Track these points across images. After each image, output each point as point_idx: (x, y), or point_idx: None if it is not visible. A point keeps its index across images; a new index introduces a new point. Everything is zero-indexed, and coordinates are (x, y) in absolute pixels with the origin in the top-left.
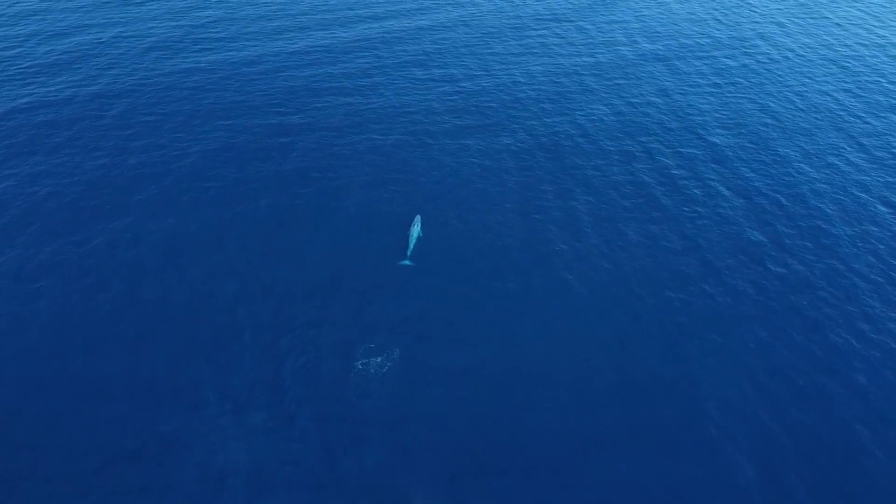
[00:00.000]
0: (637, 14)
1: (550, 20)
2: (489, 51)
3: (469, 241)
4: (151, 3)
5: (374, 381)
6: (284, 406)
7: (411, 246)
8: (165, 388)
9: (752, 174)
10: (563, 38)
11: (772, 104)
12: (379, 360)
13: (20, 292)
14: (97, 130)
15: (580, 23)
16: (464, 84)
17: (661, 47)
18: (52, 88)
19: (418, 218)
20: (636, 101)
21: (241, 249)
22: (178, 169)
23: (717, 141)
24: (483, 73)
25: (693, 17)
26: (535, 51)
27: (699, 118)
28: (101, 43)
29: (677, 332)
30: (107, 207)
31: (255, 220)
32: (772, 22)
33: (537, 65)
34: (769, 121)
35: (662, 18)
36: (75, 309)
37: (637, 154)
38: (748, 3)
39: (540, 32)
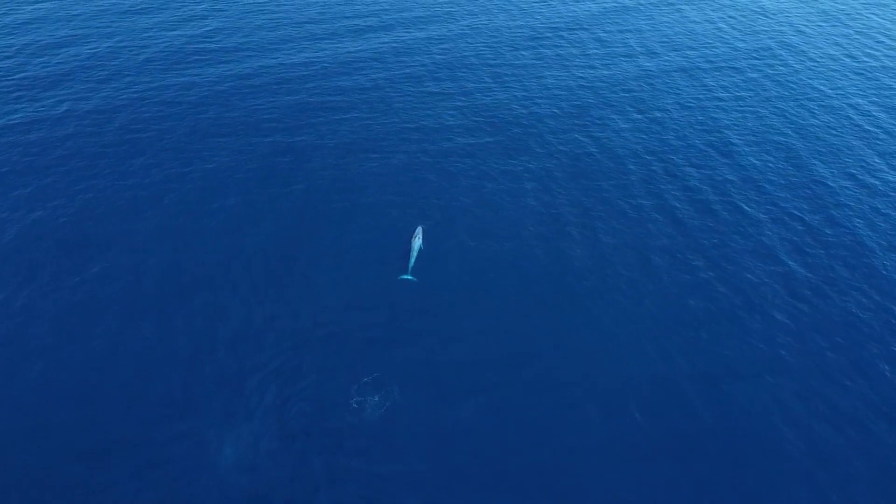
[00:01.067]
0: (653, 23)
1: (564, 29)
2: (502, 62)
3: (484, 268)
4: (148, 13)
5: (372, 426)
6: (285, 452)
7: (412, 259)
8: (163, 439)
9: (781, 194)
10: (579, 47)
11: (795, 118)
12: (377, 398)
13: (4, 331)
14: (91, 149)
15: (596, 31)
16: (476, 97)
17: (679, 58)
18: (45, 103)
19: (420, 230)
20: (657, 114)
21: (243, 279)
22: (176, 190)
23: (742, 161)
24: (497, 85)
25: (710, 25)
26: (549, 62)
27: (722, 133)
28: (96, 55)
29: (711, 373)
30: (100, 234)
31: (257, 246)
32: (792, 30)
33: (552, 77)
34: (793, 135)
35: (678, 27)
36: (67, 349)
37: (659, 172)
38: (767, 12)
39: (555, 42)
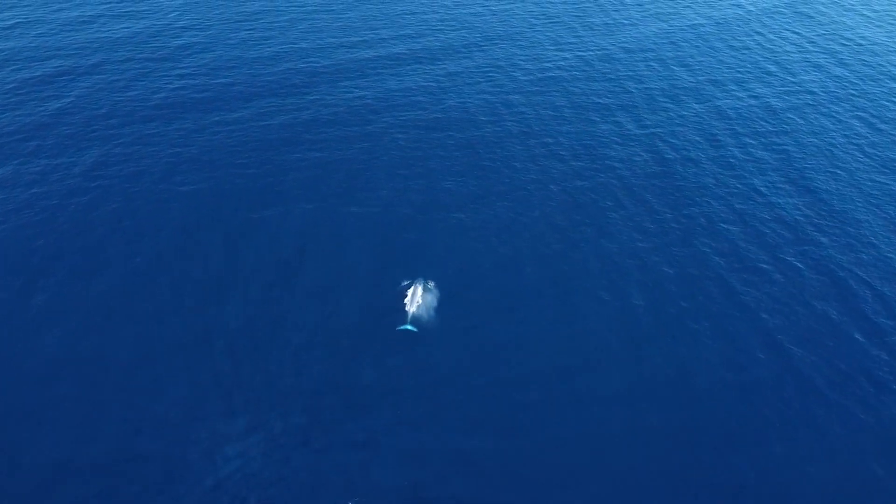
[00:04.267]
0: (722, 54)
1: (618, 62)
2: (548, 100)
3: (543, 396)
4: (133, 42)
5: None
6: None
7: (411, 311)
8: None
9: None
10: (638, 83)
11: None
12: None
13: None
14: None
15: (647, 59)
16: (521, 144)
17: (746, 94)
18: (19, 151)
19: (423, 293)
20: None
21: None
22: (157, 272)
23: (823, 240)
24: (541, 130)
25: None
26: (605, 101)
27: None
28: (77, 96)
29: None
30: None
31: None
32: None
33: (613, 122)
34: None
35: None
36: None
37: (763, 264)
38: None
39: (610, 77)
